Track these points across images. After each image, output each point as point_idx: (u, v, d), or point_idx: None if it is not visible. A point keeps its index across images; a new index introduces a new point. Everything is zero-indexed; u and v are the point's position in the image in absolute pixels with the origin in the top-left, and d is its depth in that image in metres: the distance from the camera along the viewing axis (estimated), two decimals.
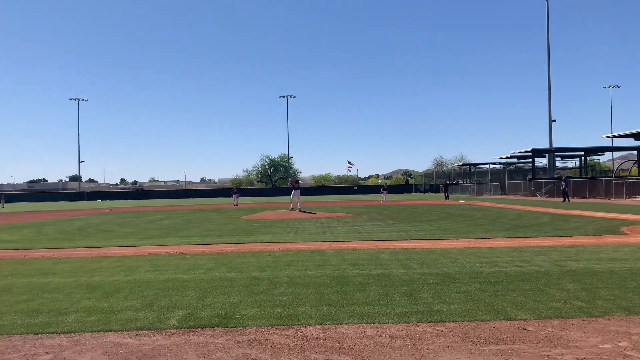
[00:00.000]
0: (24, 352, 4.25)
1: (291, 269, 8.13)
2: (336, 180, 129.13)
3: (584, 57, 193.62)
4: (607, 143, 57.63)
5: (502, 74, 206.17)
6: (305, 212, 24.02)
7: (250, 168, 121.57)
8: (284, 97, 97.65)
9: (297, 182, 26.60)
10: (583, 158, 59.67)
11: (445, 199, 45.23)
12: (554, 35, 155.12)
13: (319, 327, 4.82)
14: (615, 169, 57.60)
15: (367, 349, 4.16)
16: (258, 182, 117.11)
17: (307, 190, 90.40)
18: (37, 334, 4.77)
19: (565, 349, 4.05)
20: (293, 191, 25.51)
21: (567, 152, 58.35)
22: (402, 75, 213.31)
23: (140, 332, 4.75)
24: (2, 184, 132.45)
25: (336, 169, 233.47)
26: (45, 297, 6.38)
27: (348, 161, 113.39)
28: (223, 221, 21.01)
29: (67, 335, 4.72)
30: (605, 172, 63.80)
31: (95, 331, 4.81)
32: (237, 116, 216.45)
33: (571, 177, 48.97)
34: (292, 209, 24.80)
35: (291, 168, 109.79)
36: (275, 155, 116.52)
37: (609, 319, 4.87)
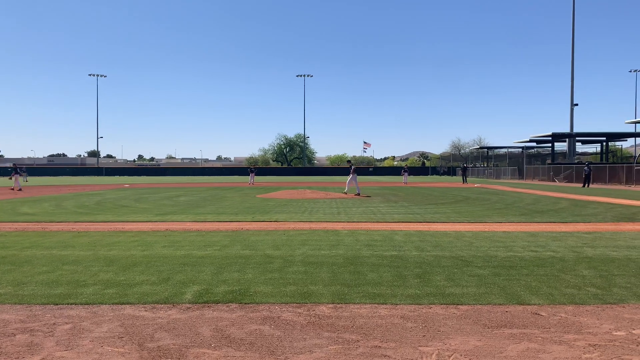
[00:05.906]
0: (44, 322, 4.38)
1: (305, 248, 8.19)
2: (352, 161, 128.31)
3: (608, 39, 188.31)
4: (630, 129, 56.10)
5: (523, 57, 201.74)
6: (359, 195, 23.72)
7: (267, 147, 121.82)
8: (301, 76, 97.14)
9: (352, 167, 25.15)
10: (604, 144, 58.33)
11: (463, 182, 45.10)
12: (579, 17, 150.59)
13: (331, 305, 4.86)
14: (637, 155, 56.24)
15: (378, 328, 4.19)
16: (274, 161, 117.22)
17: (323, 171, 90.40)
18: (57, 304, 4.91)
19: (578, 335, 4.03)
20: (351, 175, 24.61)
21: (588, 138, 57.00)
22: (420, 57, 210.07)
23: (156, 306, 4.85)
24: (22, 158, 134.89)
25: (352, 150, 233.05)
26: (65, 269, 6.54)
27: (364, 142, 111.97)
28: (238, 199, 21.17)
29: (86, 306, 4.84)
30: (627, 159, 62.40)
31: (113, 303, 4.92)
32: (254, 95, 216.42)
33: (592, 163, 48.00)
34: (346, 193, 24.31)
35: (307, 148, 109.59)
36: (291, 134, 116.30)
37: (624, 307, 4.83)
